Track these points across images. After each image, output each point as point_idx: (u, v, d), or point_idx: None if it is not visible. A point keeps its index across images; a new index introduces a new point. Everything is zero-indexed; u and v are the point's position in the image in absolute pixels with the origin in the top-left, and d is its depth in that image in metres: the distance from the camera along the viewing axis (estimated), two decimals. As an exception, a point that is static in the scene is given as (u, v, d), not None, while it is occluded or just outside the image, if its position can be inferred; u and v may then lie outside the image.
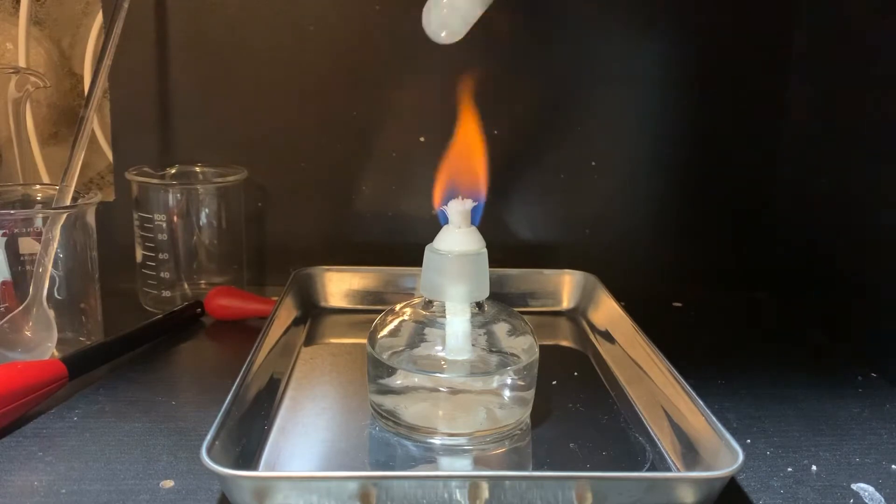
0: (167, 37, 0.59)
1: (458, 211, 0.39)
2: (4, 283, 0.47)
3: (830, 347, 0.54)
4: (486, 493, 0.32)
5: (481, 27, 0.41)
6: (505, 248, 0.60)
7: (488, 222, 0.41)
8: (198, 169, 0.60)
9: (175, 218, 0.56)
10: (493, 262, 0.40)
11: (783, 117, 0.62)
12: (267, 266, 0.63)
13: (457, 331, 0.39)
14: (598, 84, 0.62)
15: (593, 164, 0.63)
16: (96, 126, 0.63)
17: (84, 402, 0.43)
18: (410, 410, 0.39)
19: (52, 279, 0.47)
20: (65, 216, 0.47)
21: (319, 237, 0.63)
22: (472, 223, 0.40)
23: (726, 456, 0.34)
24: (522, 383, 0.40)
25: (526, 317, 0.42)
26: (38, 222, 0.47)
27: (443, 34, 0.38)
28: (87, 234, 0.50)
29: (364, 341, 0.41)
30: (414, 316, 0.41)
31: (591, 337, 0.53)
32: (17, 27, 0.61)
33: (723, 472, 0.32)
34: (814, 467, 0.39)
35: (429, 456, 0.38)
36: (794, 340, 0.55)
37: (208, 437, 0.33)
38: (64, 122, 0.66)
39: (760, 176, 0.63)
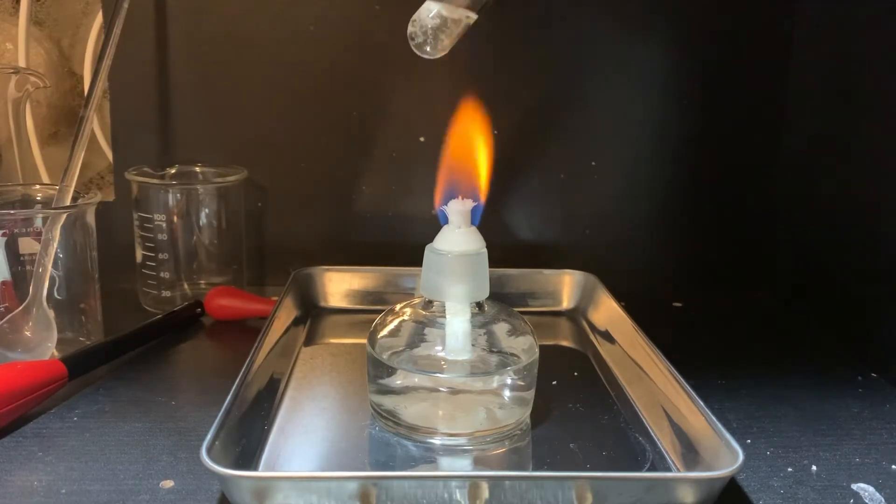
0: (167, 37, 0.59)
1: (458, 211, 0.39)
2: (4, 283, 0.47)
3: (830, 347, 0.54)
4: (486, 493, 0.32)
5: (481, 28, 0.40)
6: (505, 248, 0.60)
7: (488, 222, 0.41)
8: (198, 169, 0.60)
9: (175, 218, 0.56)
10: (493, 262, 0.40)
11: (783, 118, 0.62)
12: (267, 266, 0.63)
13: (457, 331, 0.39)
14: (599, 84, 0.62)
15: (593, 164, 0.63)
16: (96, 126, 0.63)
17: (84, 402, 0.43)
18: (410, 410, 0.39)
19: (52, 279, 0.47)
20: (65, 216, 0.47)
21: (319, 237, 0.63)
22: (472, 223, 0.40)
23: (726, 456, 0.33)
24: (522, 383, 0.40)
25: (526, 317, 0.42)
26: (38, 222, 0.47)
27: (428, 48, 0.38)
28: (86, 234, 0.50)
29: (364, 341, 0.41)
30: (414, 316, 0.40)
31: (591, 337, 0.53)
32: (17, 27, 0.61)
33: (723, 472, 0.32)
34: (814, 467, 0.38)
35: (429, 456, 0.38)
36: (793, 340, 0.55)
37: (208, 437, 0.33)
38: (64, 122, 0.66)
39: (760, 176, 0.63)
